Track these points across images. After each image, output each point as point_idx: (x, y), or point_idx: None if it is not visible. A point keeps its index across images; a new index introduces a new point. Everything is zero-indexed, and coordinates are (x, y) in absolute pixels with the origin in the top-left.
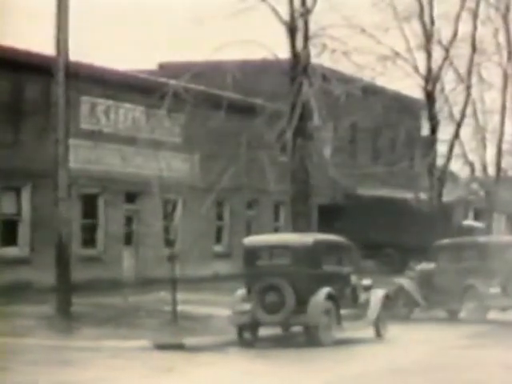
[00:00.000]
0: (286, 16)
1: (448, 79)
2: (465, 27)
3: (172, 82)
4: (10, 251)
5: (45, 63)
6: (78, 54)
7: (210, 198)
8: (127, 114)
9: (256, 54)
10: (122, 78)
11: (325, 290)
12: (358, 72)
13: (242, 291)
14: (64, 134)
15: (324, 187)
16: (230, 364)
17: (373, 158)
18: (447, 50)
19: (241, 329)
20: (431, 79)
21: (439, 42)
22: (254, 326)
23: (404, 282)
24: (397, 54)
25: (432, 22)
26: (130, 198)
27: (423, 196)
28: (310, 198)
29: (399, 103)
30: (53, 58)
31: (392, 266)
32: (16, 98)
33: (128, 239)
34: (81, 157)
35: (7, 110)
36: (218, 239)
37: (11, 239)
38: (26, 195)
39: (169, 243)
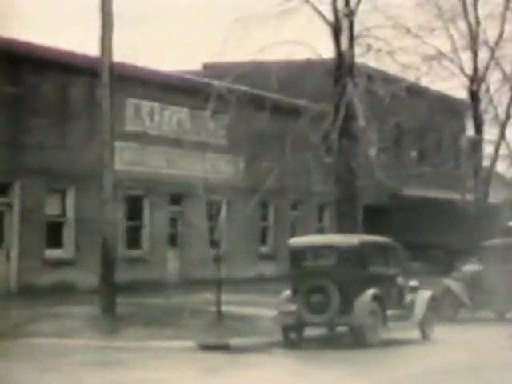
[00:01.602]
0: (330, 16)
1: (493, 79)
2: (511, 27)
3: (216, 83)
4: (55, 253)
5: (89, 64)
6: (122, 55)
7: (254, 199)
8: (172, 116)
9: (300, 54)
10: (166, 79)
11: (370, 291)
12: (403, 72)
13: (287, 292)
14: (109, 135)
15: (369, 188)
16: (275, 365)
17: (418, 158)
18: (493, 50)
19: (286, 329)
20: (477, 79)
21: (485, 43)
22: (299, 326)
23: (450, 282)
24: (442, 53)
25: (477, 22)
26: (175, 199)
27: (469, 197)
28: (356, 199)
29: (443, 104)
30: (97, 59)
31: (438, 267)
32: (61, 99)
33: (173, 240)
34: (126, 159)
35: (52, 111)
36: (263, 240)
37: (56, 241)
38: (71, 197)
39: (214, 244)
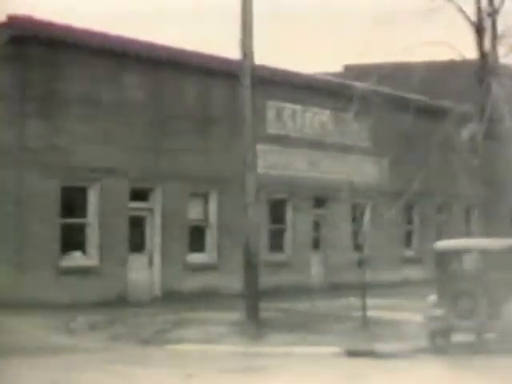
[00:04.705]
0: (473, 16)
1: None
2: None
3: (358, 84)
4: (198, 257)
5: (230, 68)
6: (262, 57)
7: (399, 203)
8: (314, 118)
9: (443, 55)
10: (307, 81)
11: None
12: None
13: (433, 296)
14: (251, 138)
15: None
16: (422, 371)
17: None
18: None
19: (433, 335)
20: None
21: None
22: (446, 331)
23: None
24: None
25: None
26: (318, 202)
27: None
28: (504, 202)
29: None
30: (238, 62)
31: None
32: (203, 103)
33: (316, 244)
34: (268, 162)
35: (193, 115)
36: (408, 244)
37: (199, 245)
38: (213, 201)
39: (358, 248)
